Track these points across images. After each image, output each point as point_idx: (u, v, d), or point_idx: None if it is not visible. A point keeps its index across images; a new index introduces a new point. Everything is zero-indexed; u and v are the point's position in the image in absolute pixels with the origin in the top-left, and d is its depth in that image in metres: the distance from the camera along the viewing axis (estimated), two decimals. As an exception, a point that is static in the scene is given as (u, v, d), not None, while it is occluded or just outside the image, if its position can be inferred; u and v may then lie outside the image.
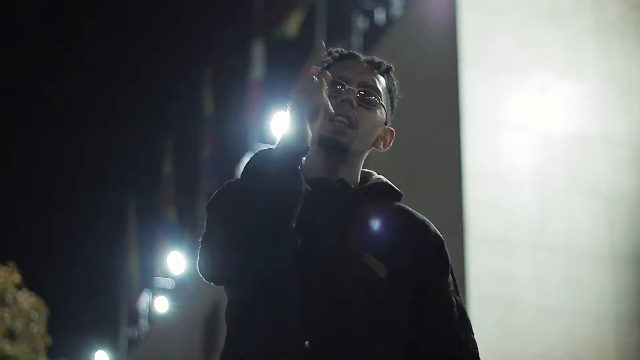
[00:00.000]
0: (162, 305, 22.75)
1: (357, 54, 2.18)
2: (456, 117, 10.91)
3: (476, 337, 2.09)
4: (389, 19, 14.22)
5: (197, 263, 1.98)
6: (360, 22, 15.12)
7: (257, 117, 18.77)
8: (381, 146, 2.16)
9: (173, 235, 22.62)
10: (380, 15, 14.59)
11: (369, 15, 14.97)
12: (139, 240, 24.54)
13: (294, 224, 1.92)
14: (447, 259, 2.10)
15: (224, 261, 1.92)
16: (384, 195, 2.11)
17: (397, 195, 2.13)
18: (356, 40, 14.92)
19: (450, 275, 2.10)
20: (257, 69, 19.10)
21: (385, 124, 2.15)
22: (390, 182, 2.13)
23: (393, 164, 10.97)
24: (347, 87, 2.09)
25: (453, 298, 2.09)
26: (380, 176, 2.15)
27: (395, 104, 2.19)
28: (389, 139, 2.17)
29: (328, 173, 2.08)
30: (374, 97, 2.11)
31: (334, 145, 2.06)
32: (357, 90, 2.10)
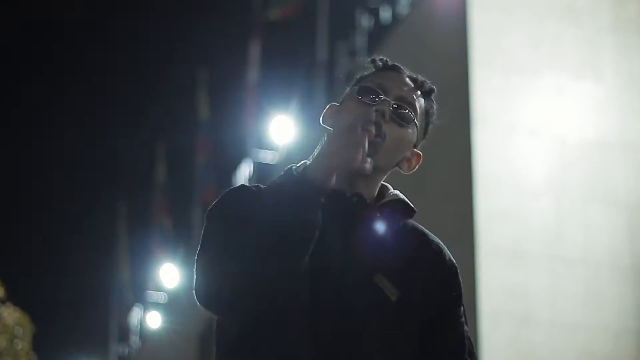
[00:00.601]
0: (154, 320, 22.74)
1: (402, 67, 2.17)
2: (466, 121, 10.90)
3: (488, 355, 2.11)
4: (395, 17, 14.22)
5: (195, 285, 1.95)
6: (365, 21, 15.13)
7: (255, 122, 18.77)
8: (405, 168, 2.15)
9: (166, 246, 22.62)
10: (385, 14, 14.60)
11: (374, 13, 14.98)
12: (130, 251, 24.56)
13: (306, 260, 1.91)
14: (459, 288, 2.10)
15: (225, 289, 1.90)
16: (398, 212, 2.10)
17: (410, 212, 2.12)
18: (360, 40, 14.93)
19: (461, 306, 2.10)
20: (255, 71, 19.12)
21: (415, 146, 2.14)
22: (406, 199, 2.12)
23: (399, 171, 10.96)
24: (382, 97, 2.07)
25: (464, 330, 2.09)
26: (397, 191, 2.13)
27: (430, 129, 2.18)
28: (414, 162, 2.15)
29: (345, 185, 2.06)
30: (408, 113, 2.09)
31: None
32: (392, 102, 2.08)
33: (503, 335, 10.13)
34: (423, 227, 2.12)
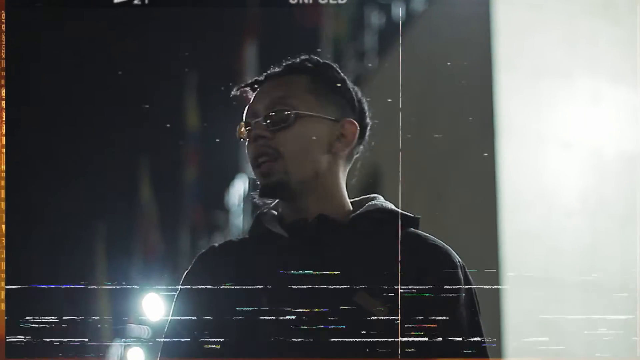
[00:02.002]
0: (136, 358, 22.67)
1: (273, 73, 2.18)
2: (490, 131, 10.90)
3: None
4: (410, 14, 14.24)
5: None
6: (375, 18, 15.14)
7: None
8: (341, 146, 2.13)
9: (150, 274, 22.58)
10: (398, 10, 14.61)
11: (385, 9, 14.99)
12: (108, 278, 24.51)
13: None
14: (459, 289, 2.09)
15: None
16: (387, 222, 2.10)
17: (411, 222, 2.11)
18: (370, 39, 14.94)
19: (464, 310, 2.10)
20: (251, 75, 19.14)
21: (337, 120, 2.13)
22: (392, 207, 2.12)
23: (415, 186, 10.95)
24: (254, 121, 2.10)
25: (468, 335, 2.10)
26: (379, 202, 2.13)
27: (341, 87, 2.17)
28: (349, 131, 2.14)
29: (309, 210, 2.08)
30: (285, 111, 2.09)
31: (272, 192, 2.07)
32: (264, 117, 2.10)
33: (532, 374, 10.11)
34: (421, 232, 2.12)
